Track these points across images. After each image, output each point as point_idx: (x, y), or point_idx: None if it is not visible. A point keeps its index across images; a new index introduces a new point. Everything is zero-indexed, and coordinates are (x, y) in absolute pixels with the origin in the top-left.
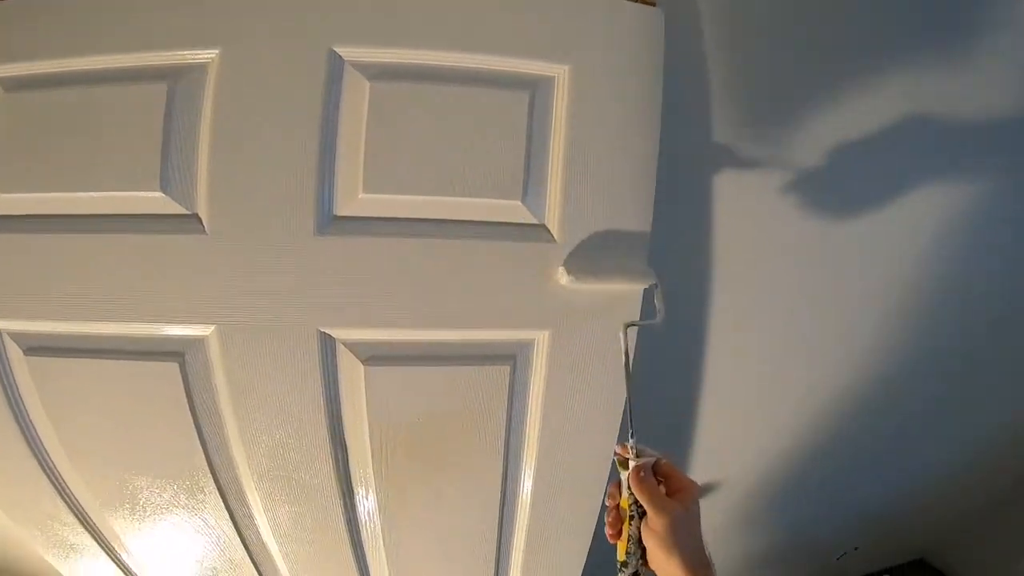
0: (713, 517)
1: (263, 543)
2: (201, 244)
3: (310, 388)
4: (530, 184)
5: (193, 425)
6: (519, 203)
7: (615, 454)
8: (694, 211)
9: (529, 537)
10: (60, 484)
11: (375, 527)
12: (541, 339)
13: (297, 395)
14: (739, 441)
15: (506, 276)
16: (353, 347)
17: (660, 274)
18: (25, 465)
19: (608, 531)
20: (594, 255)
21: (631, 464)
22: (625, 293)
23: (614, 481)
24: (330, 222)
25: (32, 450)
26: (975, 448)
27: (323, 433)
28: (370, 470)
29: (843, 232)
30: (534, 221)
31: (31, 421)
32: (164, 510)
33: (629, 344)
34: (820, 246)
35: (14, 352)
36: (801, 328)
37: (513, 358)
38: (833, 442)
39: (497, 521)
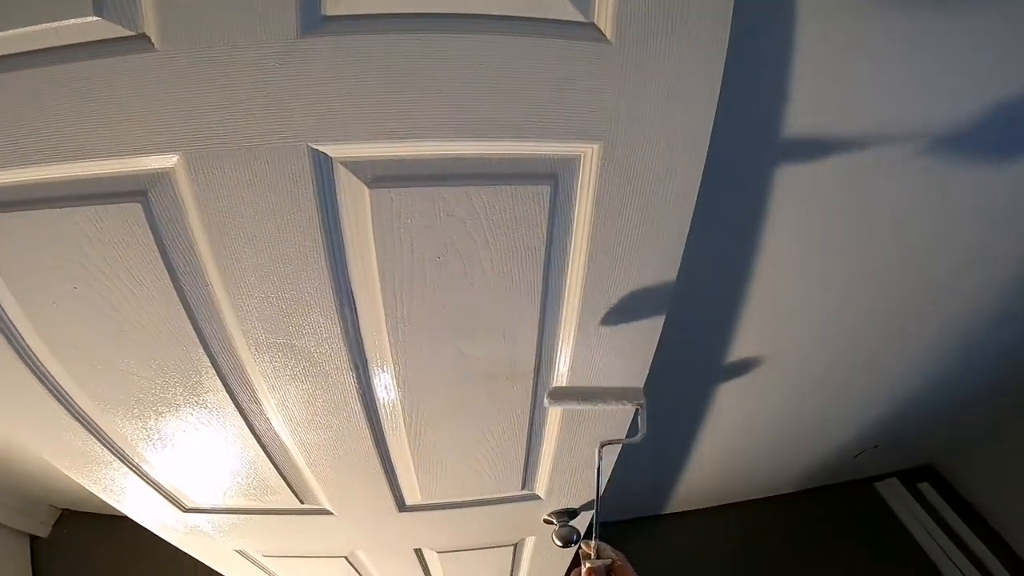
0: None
1: (275, 434)
2: (152, 63)
3: (303, 223)
4: None
5: (172, 286)
6: None
7: (579, 548)
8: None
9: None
10: (52, 384)
11: (393, 404)
12: (589, 154)
13: (288, 234)
14: (781, 333)
15: (546, 78)
16: (354, 166)
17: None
18: (10, 365)
19: None
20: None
21: (584, 565)
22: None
23: (576, 570)
24: (318, 22)
25: (15, 350)
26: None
27: (324, 283)
28: (384, 331)
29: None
30: (580, 19)
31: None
32: (166, 407)
33: (602, 464)
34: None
35: None
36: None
37: (553, 177)
38: (861, 347)
39: (531, 389)
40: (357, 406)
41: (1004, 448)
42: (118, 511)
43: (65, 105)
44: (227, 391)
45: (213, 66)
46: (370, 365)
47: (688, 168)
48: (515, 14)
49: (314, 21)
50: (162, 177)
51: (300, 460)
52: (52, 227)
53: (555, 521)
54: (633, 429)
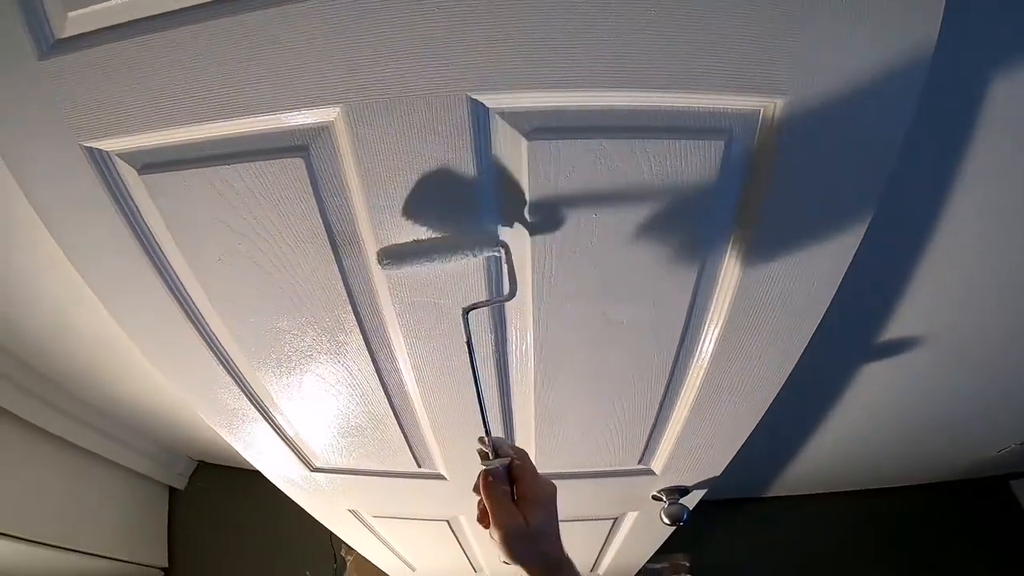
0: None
1: (406, 395)
2: (312, 10)
3: (458, 176)
4: None
5: (328, 242)
6: None
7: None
8: None
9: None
10: (213, 341)
11: (526, 367)
12: (770, 109)
13: (443, 187)
14: (946, 311)
15: (721, 28)
16: (512, 117)
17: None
18: (178, 322)
19: (479, 521)
20: None
21: (483, 466)
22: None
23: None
24: None
25: (184, 309)
26: None
27: (479, 236)
28: (529, 289)
29: None
30: None
31: (162, 252)
32: (309, 366)
33: (470, 329)
34: None
35: (129, 174)
36: None
37: (728, 132)
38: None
39: (671, 361)
40: (490, 368)
41: None
42: (250, 465)
43: (233, 60)
44: (368, 351)
45: (372, 12)
46: (508, 325)
47: (884, 139)
48: None
49: None
50: (322, 131)
51: (424, 422)
52: (219, 184)
53: (664, 498)
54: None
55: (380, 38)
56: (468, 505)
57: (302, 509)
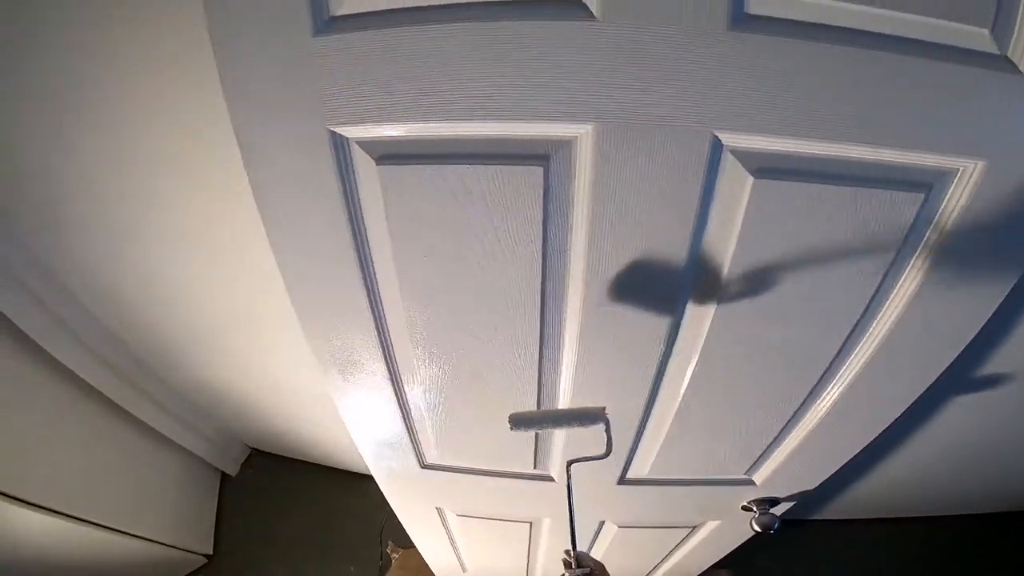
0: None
1: (555, 395)
2: (588, 31)
3: (680, 203)
4: (1000, 11)
5: (540, 252)
6: (986, 32)
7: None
8: None
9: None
10: (381, 323)
11: (682, 375)
12: (969, 169)
13: (662, 211)
14: None
15: (943, 98)
16: (742, 156)
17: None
18: (353, 298)
19: None
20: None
21: (566, 574)
22: None
23: None
24: (744, 19)
25: (368, 290)
26: None
27: (679, 260)
28: (712, 310)
29: None
30: (995, 51)
31: (367, 239)
32: (475, 353)
33: (571, 479)
34: None
35: (364, 163)
36: None
37: (929, 187)
38: None
39: (815, 382)
40: (650, 375)
41: None
42: (303, 455)
43: (498, 65)
44: (539, 351)
45: (646, 44)
46: (679, 339)
47: None
48: (921, 38)
49: (740, 18)
50: (566, 144)
51: (560, 431)
52: (455, 183)
53: (755, 508)
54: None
55: (646, 67)
56: (561, 508)
57: (350, 503)
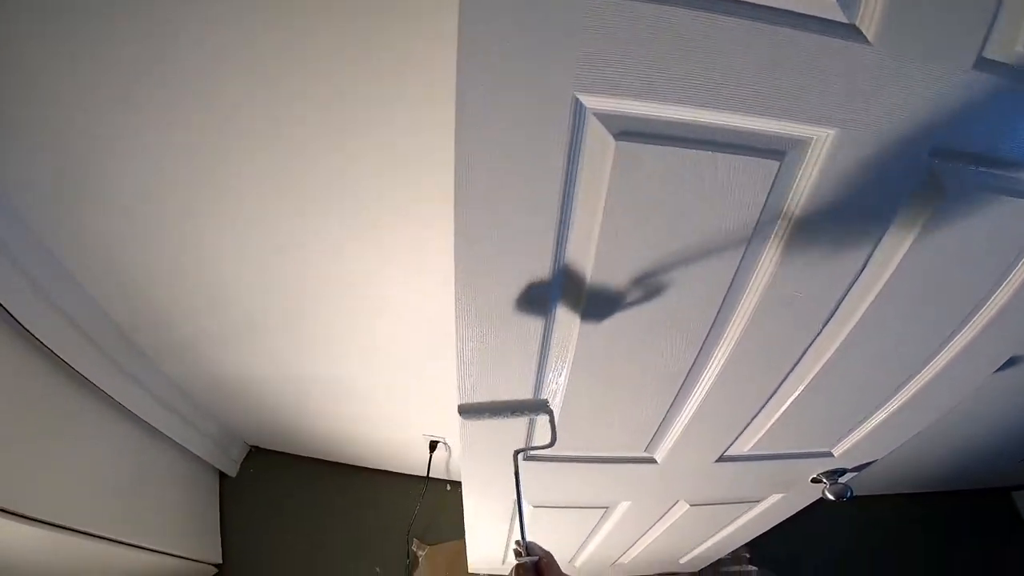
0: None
1: (697, 380)
2: (860, 53)
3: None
4: None
5: (744, 245)
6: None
7: (514, 548)
8: None
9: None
10: (552, 296)
11: (826, 348)
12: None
13: (854, 219)
14: None
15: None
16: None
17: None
18: (537, 268)
19: None
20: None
21: (516, 561)
22: None
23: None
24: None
25: (555, 260)
26: None
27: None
28: (872, 294)
29: None
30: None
31: (569, 230)
32: (636, 333)
33: (519, 466)
34: None
35: (598, 137)
36: None
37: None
38: None
39: (935, 349)
40: (795, 354)
41: None
42: (309, 452)
43: (764, 61)
44: (705, 335)
45: (906, 74)
46: (833, 319)
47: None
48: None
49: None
50: (803, 144)
51: (689, 410)
52: (691, 167)
53: (824, 480)
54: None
55: (897, 89)
56: (649, 489)
57: (365, 500)
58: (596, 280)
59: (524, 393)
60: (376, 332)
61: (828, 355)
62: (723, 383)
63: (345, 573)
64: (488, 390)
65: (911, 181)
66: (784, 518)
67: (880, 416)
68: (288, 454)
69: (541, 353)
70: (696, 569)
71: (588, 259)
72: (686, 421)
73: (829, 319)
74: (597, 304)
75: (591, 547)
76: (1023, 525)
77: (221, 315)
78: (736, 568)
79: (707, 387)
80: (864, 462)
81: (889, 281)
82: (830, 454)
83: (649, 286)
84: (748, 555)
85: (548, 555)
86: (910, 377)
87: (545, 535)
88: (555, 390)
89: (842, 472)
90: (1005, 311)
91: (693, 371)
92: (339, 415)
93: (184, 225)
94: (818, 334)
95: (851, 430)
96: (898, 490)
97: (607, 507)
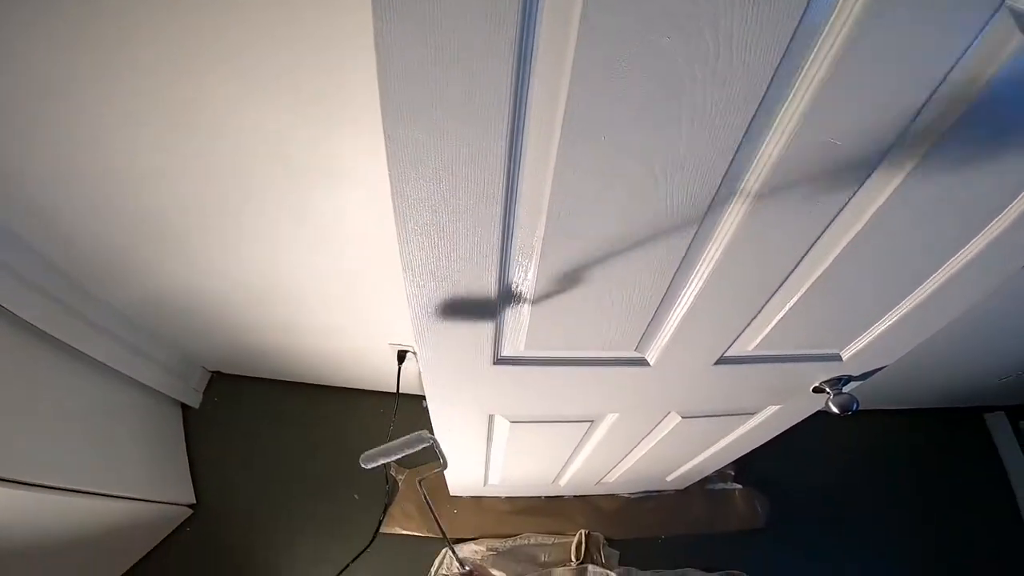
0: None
1: (691, 270)
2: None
3: None
4: None
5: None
6: None
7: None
8: None
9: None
10: (512, 167)
11: (841, 234)
12: None
13: None
14: None
15: None
16: None
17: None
18: (487, 143)
19: None
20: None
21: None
22: None
23: None
24: None
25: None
26: None
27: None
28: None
29: None
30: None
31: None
32: (620, 207)
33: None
34: None
35: None
36: None
37: None
38: None
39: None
40: (803, 244)
41: None
42: (275, 375)
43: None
44: (701, 216)
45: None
46: (862, 192)
47: None
48: None
49: None
50: None
51: (682, 308)
52: None
53: (828, 389)
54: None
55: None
56: (640, 398)
57: (337, 423)
58: (570, 122)
59: (487, 280)
60: (323, 213)
61: (840, 248)
62: (723, 272)
63: (324, 502)
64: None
65: None
66: (776, 433)
67: (893, 317)
68: (254, 378)
69: (505, 224)
70: (682, 487)
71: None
72: (682, 314)
73: (844, 207)
74: (573, 149)
75: (575, 465)
76: (994, 447)
77: (142, 222)
78: (722, 486)
79: (705, 275)
80: (871, 368)
81: (906, 181)
82: (838, 357)
83: (631, 148)
84: (733, 472)
85: (477, 566)
86: (924, 278)
87: (527, 456)
88: (526, 271)
89: (846, 381)
90: None
91: (690, 255)
92: (299, 328)
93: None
94: (831, 222)
95: (863, 331)
96: (878, 406)
97: (593, 421)
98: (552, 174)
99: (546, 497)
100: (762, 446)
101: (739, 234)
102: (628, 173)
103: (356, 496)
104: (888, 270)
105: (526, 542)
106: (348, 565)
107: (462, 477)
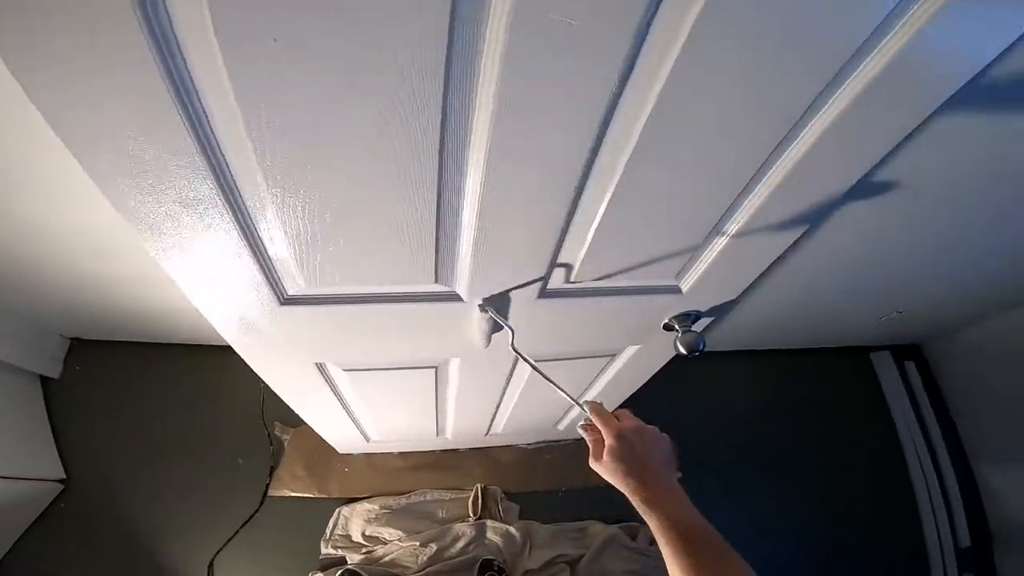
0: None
1: (460, 189)
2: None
3: None
4: None
5: None
6: None
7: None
8: None
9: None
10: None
11: (629, 134)
12: None
13: None
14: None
15: None
16: None
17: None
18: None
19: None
20: None
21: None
22: None
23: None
24: None
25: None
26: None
27: None
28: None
29: None
30: None
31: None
32: (344, 134)
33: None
34: None
35: None
36: None
37: None
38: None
39: (775, 144)
40: (587, 143)
41: (982, 341)
42: (135, 335)
43: None
44: (441, 124)
45: None
46: (628, 89)
47: None
48: None
49: None
50: None
51: (470, 213)
52: None
53: (677, 327)
54: None
55: None
56: (470, 338)
57: (217, 384)
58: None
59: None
60: None
61: (627, 154)
62: (499, 183)
63: (205, 467)
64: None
65: None
66: (649, 375)
67: (719, 243)
68: (116, 342)
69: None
70: (579, 436)
71: None
72: (471, 237)
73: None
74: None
75: (450, 416)
76: (879, 386)
77: None
78: None
79: (478, 188)
80: (717, 303)
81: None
82: (677, 289)
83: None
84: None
85: (594, 404)
86: (740, 194)
87: (394, 408)
88: (277, 207)
89: (695, 317)
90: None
91: (448, 161)
92: (151, 279)
93: None
94: (614, 109)
95: (691, 259)
96: (765, 346)
97: (436, 367)
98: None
99: (441, 451)
100: (657, 391)
101: (499, 130)
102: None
103: (240, 460)
104: (696, 176)
105: (422, 499)
106: (237, 532)
107: (339, 434)
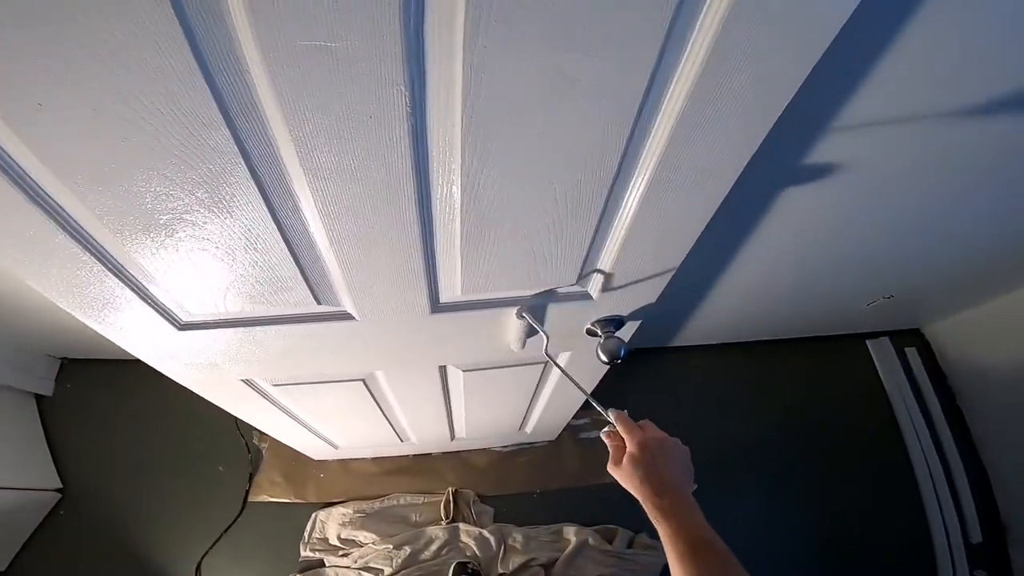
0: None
1: (311, 240)
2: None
3: None
4: None
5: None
6: None
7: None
8: None
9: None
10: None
11: (451, 146)
12: None
13: None
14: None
15: None
16: None
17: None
18: None
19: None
20: None
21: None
22: None
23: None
24: None
25: None
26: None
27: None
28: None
29: None
30: None
31: None
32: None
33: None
34: None
35: None
36: None
37: None
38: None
39: (630, 129)
40: (404, 153)
41: (986, 321)
42: (121, 354)
43: None
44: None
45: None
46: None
47: None
48: None
49: None
50: None
51: (321, 238)
52: None
53: (599, 332)
54: None
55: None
56: (385, 352)
57: (200, 399)
58: None
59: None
60: None
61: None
62: (339, 206)
63: (189, 476)
64: None
65: None
66: (598, 379)
67: (619, 233)
68: (105, 360)
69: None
70: (552, 438)
71: None
72: (338, 269)
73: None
74: None
75: (404, 423)
76: (875, 372)
77: None
78: (595, 434)
79: (316, 214)
80: (639, 306)
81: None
82: (588, 295)
83: None
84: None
85: (619, 413)
86: (601, 175)
87: (347, 419)
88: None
89: (618, 322)
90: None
91: (268, 186)
92: None
93: None
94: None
95: (580, 257)
96: (757, 337)
97: (363, 379)
98: None
99: (414, 456)
100: (642, 385)
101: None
102: None
103: (221, 468)
104: (544, 177)
105: (395, 503)
106: (221, 536)
107: (305, 443)
